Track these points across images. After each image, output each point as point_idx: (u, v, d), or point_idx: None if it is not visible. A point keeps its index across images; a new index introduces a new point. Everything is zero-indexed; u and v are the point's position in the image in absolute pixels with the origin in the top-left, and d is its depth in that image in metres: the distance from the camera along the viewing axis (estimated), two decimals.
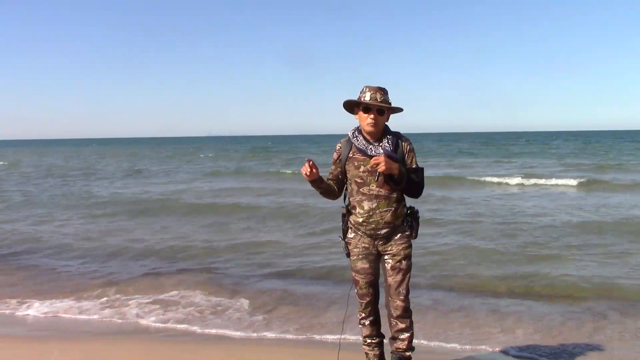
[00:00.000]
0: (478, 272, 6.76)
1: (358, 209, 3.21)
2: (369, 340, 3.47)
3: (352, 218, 3.28)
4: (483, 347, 4.44)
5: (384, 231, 3.21)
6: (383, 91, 3.15)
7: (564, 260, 7.19)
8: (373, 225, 3.19)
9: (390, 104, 3.17)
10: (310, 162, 3.14)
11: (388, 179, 3.12)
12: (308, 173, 3.14)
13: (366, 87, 3.17)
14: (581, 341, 4.55)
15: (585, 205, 12.34)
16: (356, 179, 3.20)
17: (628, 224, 9.66)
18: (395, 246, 3.24)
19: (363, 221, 3.20)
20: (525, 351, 4.36)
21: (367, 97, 3.13)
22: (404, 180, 3.13)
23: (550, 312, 5.29)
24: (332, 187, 3.34)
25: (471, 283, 6.33)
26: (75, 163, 38.03)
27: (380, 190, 3.16)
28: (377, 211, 3.17)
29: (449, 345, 4.47)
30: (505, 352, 4.33)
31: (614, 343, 4.51)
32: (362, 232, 3.25)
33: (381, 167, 3.03)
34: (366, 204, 3.18)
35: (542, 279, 6.37)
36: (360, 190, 3.19)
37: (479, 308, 5.46)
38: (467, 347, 4.44)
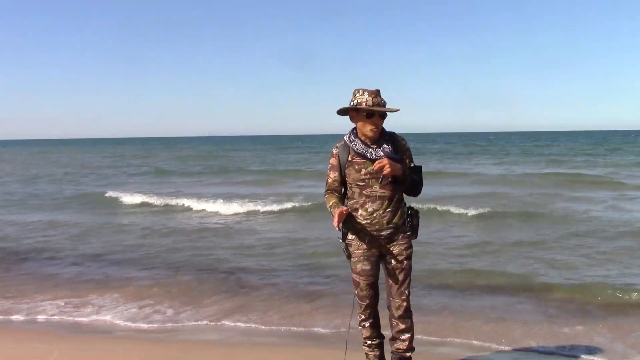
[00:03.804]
0: None
1: (361, 211, 3.20)
2: (369, 342, 3.47)
3: (353, 220, 3.24)
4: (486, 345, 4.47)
5: (387, 232, 3.21)
6: (380, 94, 3.12)
7: None
8: (376, 227, 3.19)
9: (386, 105, 3.15)
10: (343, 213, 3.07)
11: (392, 180, 3.11)
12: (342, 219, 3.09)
13: (363, 90, 3.12)
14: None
15: None
16: (358, 182, 3.18)
17: None
18: (398, 246, 3.25)
19: (366, 223, 3.20)
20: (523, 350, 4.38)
21: (368, 101, 3.08)
22: (409, 180, 3.14)
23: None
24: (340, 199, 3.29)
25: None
26: None
27: (384, 191, 3.16)
28: (381, 212, 3.17)
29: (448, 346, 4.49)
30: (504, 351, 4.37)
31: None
32: (365, 234, 3.24)
33: (386, 170, 3.02)
34: (370, 205, 3.17)
35: None
36: (363, 192, 3.18)
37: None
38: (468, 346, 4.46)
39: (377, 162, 3.05)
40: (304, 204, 12.92)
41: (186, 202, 13.97)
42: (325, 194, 3.33)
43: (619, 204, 12.54)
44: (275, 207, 12.67)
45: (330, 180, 3.29)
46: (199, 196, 14.77)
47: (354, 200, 3.22)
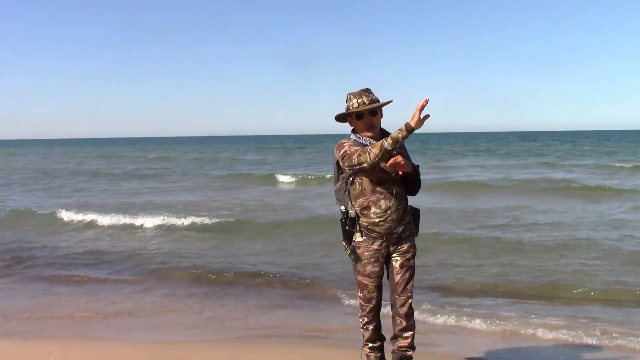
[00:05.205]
0: None
1: (374, 209, 3.19)
2: (370, 345, 3.45)
3: (364, 220, 3.22)
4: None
5: (399, 229, 3.24)
6: (367, 92, 3.19)
7: None
8: (389, 224, 3.20)
9: (378, 100, 3.19)
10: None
11: (404, 176, 3.16)
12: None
13: (350, 94, 3.21)
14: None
15: None
16: (372, 178, 3.16)
17: None
18: (406, 244, 3.29)
19: (380, 221, 3.19)
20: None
21: (354, 104, 3.17)
22: (418, 177, 3.22)
23: None
24: None
25: None
26: None
27: (397, 188, 3.19)
28: (394, 209, 3.19)
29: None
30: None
31: None
32: (377, 233, 3.22)
33: (403, 166, 3.07)
34: (383, 202, 3.18)
35: None
36: (377, 189, 3.18)
37: None
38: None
39: (392, 158, 3.07)
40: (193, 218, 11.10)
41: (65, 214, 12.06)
42: (364, 150, 3.08)
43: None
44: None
45: (355, 148, 3.12)
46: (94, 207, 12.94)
47: (365, 198, 3.20)
